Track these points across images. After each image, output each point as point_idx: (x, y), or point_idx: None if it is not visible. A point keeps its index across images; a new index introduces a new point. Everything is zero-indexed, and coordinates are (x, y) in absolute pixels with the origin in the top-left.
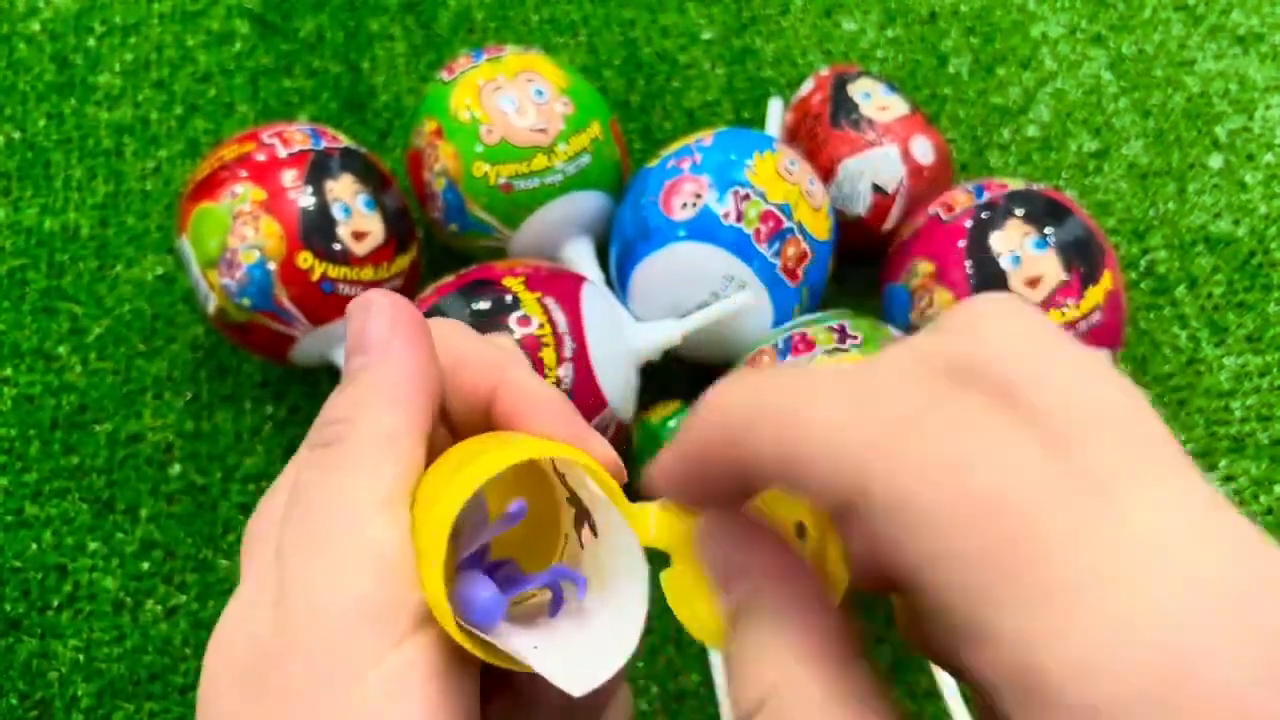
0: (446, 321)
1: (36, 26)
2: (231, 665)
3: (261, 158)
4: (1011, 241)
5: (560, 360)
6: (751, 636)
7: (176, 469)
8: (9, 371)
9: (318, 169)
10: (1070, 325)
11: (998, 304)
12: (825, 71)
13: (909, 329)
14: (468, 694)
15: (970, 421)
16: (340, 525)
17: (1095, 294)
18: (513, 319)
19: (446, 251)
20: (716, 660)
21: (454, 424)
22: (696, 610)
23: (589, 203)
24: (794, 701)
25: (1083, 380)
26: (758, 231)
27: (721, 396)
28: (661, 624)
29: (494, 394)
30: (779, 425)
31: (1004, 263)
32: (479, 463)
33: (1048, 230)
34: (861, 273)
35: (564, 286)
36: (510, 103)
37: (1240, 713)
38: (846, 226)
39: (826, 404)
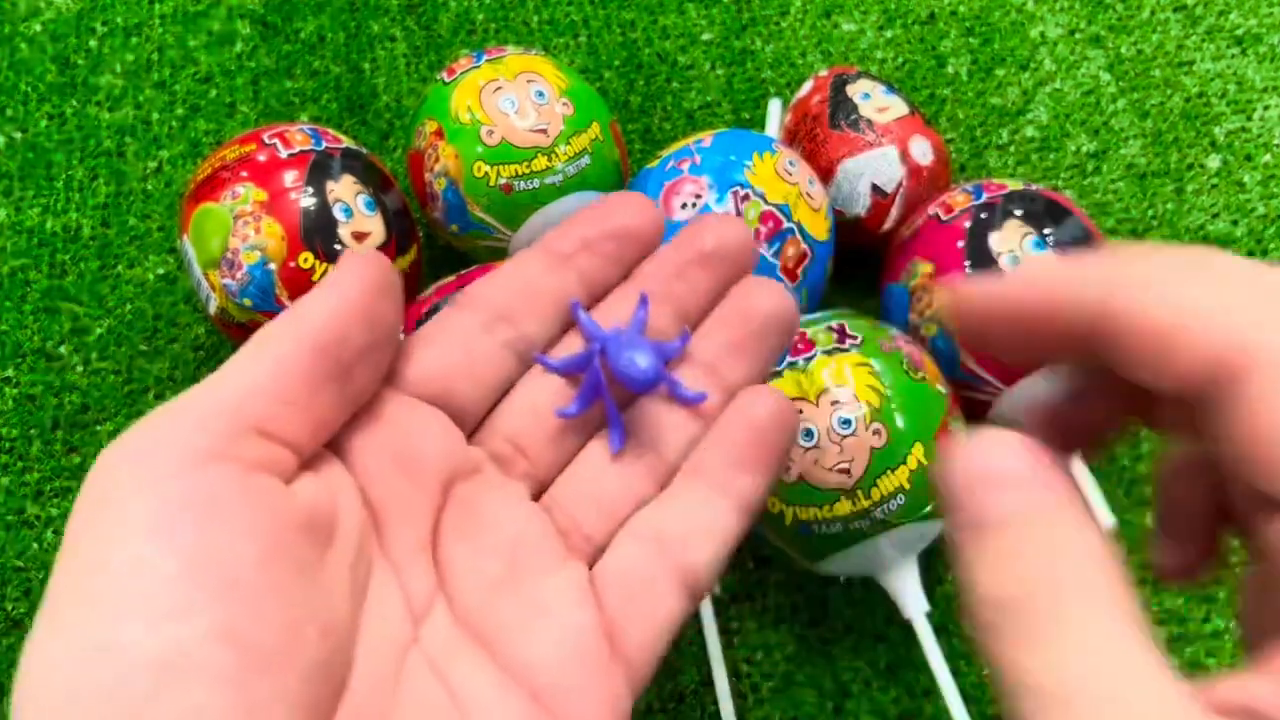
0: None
1: (38, 27)
2: None
3: (262, 158)
4: (1010, 242)
5: None
6: (1037, 527)
7: None
8: (11, 371)
9: (319, 170)
10: None
11: None
12: (824, 72)
13: (908, 329)
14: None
15: None
16: None
17: None
18: None
19: (447, 251)
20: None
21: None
22: None
23: (589, 204)
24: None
25: None
26: (757, 232)
27: (1075, 261)
28: None
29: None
30: (1146, 291)
31: (1003, 263)
32: None
33: (1046, 231)
34: (861, 273)
35: None
36: (510, 104)
37: None
38: (845, 227)
39: (1199, 282)
